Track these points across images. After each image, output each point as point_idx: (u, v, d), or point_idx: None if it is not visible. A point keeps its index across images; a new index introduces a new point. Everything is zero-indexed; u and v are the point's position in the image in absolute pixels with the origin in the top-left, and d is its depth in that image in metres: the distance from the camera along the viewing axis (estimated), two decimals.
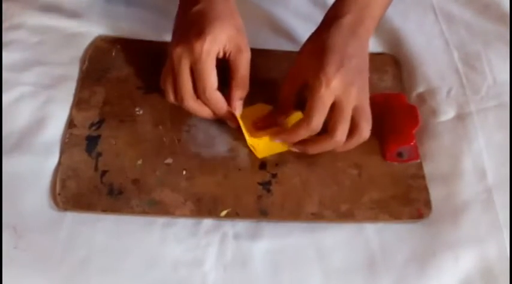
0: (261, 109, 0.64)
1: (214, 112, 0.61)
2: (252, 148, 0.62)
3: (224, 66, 0.59)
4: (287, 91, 0.62)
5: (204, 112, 0.61)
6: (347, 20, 0.59)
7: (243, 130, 0.61)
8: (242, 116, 0.61)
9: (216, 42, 0.57)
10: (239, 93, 0.61)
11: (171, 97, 0.61)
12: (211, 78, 0.57)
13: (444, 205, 0.60)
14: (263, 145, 0.61)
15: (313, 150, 0.60)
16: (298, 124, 0.58)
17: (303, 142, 0.60)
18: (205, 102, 0.59)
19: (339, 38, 0.58)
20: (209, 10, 0.58)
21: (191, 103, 0.59)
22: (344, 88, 0.56)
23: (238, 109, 0.61)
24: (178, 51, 0.57)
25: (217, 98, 0.59)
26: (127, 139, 0.62)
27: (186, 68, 0.57)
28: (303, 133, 0.58)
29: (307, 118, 0.57)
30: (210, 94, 0.58)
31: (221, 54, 0.58)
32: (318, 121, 0.57)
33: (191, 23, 0.58)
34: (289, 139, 0.60)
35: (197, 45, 0.56)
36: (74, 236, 0.56)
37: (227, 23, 0.58)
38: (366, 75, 0.60)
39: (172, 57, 0.58)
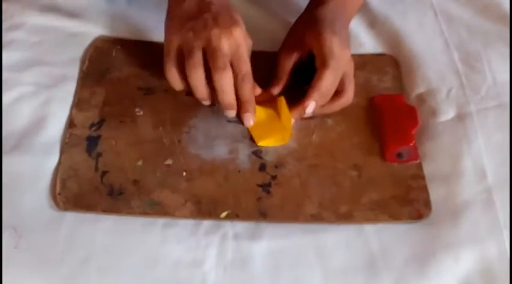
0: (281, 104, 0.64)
1: (242, 98, 0.61)
2: (253, 135, 0.62)
3: None
4: (285, 63, 0.64)
5: (208, 97, 0.61)
6: (331, 5, 0.64)
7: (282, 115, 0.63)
8: None
9: (248, 37, 0.61)
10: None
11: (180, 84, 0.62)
12: (249, 62, 0.60)
13: (444, 205, 0.60)
14: (264, 132, 0.62)
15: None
16: (308, 97, 0.61)
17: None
18: (240, 87, 0.60)
19: (328, 13, 0.63)
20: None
21: (201, 87, 0.60)
22: (341, 51, 0.61)
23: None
24: (216, 32, 0.58)
25: (252, 85, 0.61)
26: (127, 139, 0.62)
27: (225, 49, 0.58)
28: (319, 95, 0.61)
29: (319, 80, 0.60)
30: (248, 77, 0.60)
31: None
32: (331, 81, 0.61)
33: (206, 9, 0.60)
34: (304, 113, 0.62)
35: (238, 31, 0.58)
36: (74, 236, 0.56)
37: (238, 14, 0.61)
38: (349, 51, 0.63)
39: (205, 38, 0.58)
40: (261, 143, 0.62)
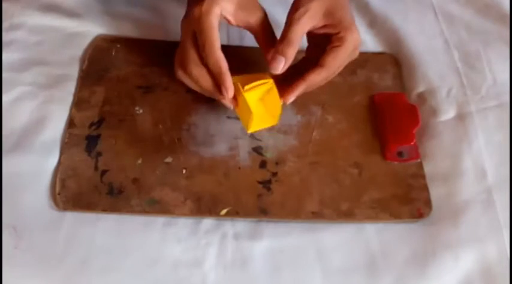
0: (257, 78, 0.59)
1: (212, 71, 0.57)
2: (244, 121, 0.59)
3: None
4: (302, 28, 0.58)
5: (204, 80, 0.57)
6: None
7: (244, 97, 0.57)
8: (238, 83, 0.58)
9: (215, 3, 0.56)
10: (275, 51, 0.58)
11: (178, 72, 0.60)
12: (212, 34, 0.55)
13: (444, 204, 0.60)
14: (256, 118, 0.58)
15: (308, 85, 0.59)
16: (316, 71, 0.58)
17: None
18: (207, 60, 0.56)
19: None
20: None
21: (193, 68, 0.57)
22: (359, 45, 0.59)
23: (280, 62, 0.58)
24: (183, 22, 0.57)
25: (219, 56, 0.56)
26: (127, 138, 0.62)
27: (189, 34, 0.57)
28: (322, 79, 0.59)
29: (331, 62, 0.57)
30: (209, 49, 0.55)
31: (232, 21, 0.58)
32: (337, 69, 0.59)
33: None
34: (305, 88, 0.59)
35: (196, 9, 0.56)
36: (74, 236, 0.56)
37: None
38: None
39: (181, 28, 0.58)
40: (252, 129, 0.58)
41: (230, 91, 0.56)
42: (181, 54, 0.58)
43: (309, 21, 0.57)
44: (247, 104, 0.56)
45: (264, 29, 0.59)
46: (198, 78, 0.57)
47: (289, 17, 0.58)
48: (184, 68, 0.58)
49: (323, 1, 0.58)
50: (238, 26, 0.59)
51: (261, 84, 0.57)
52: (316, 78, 0.58)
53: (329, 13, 0.58)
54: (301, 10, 0.57)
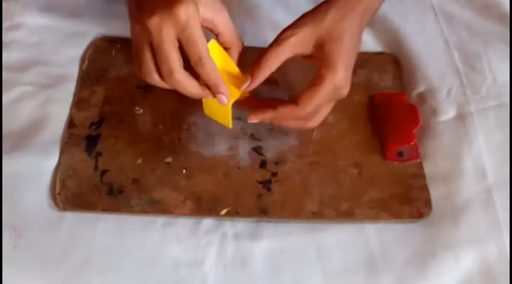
0: (214, 49, 0.55)
1: (207, 83, 0.53)
2: (222, 120, 0.57)
3: None
4: (282, 52, 0.54)
5: (192, 86, 0.52)
6: (362, 8, 0.55)
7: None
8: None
9: (197, 7, 0.51)
10: (236, 52, 0.56)
11: (155, 77, 0.52)
12: (204, 42, 0.51)
13: (444, 204, 0.60)
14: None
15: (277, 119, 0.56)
16: (289, 107, 0.54)
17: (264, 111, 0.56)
18: (201, 71, 0.51)
19: (354, 27, 0.55)
20: None
21: (181, 76, 0.51)
22: (344, 86, 0.55)
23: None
24: (155, 20, 0.49)
25: (213, 66, 0.52)
26: (127, 138, 0.62)
27: (170, 36, 0.50)
28: (294, 116, 0.55)
29: (306, 101, 0.54)
30: (206, 60, 0.51)
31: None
32: (311, 109, 0.54)
33: None
34: (272, 119, 0.56)
35: (181, 10, 0.49)
36: (74, 236, 0.56)
37: None
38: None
39: (147, 29, 0.50)
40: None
41: (228, 98, 0.53)
42: (161, 59, 0.51)
43: (293, 47, 0.54)
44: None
45: (227, 29, 0.55)
46: (186, 86, 0.52)
47: (277, 37, 0.55)
48: (167, 76, 0.51)
49: (318, 28, 0.54)
50: (202, 26, 0.53)
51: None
52: (288, 114, 0.55)
53: (319, 44, 0.54)
54: (288, 33, 0.54)
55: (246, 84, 0.54)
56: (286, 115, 0.55)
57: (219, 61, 0.54)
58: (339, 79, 0.53)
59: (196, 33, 0.50)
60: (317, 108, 0.55)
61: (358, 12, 0.55)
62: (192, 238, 0.57)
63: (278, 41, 0.54)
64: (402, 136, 0.63)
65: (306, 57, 0.56)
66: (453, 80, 0.68)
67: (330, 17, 0.54)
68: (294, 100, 0.54)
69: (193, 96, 0.53)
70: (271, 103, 0.56)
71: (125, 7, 0.73)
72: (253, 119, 0.56)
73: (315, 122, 0.58)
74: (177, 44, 0.50)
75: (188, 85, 0.52)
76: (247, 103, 0.58)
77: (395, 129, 0.63)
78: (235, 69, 0.56)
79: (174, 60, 0.50)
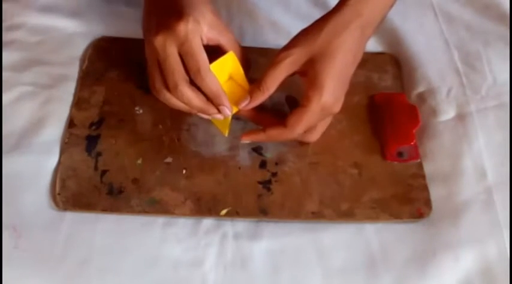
0: (230, 60, 0.58)
1: (207, 95, 0.56)
2: (220, 126, 0.60)
3: None
4: (280, 73, 0.56)
5: (197, 99, 0.55)
6: (361, 22, 0.56)
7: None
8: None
9: (198, 23, 0.55)
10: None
11: (167, 94, 0.56)
12: (203, 55, 0.54)
13: (444, 204, 0.60)
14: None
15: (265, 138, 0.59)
16: (278, 129, 0.57)
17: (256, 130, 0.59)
18: (200, 84, 0.55)
19: (349, 43, 0.55)
20: None
21: (185, 88, 0.55)
22: (333, 105, 0.56)
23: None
24: (160, 38, 0.54)
25: (213, 78, 0.55)
26: (127, 138, 0.62)
27: (173, 51, 0.54)
28: (284, 138, 0.58)
29: (294, 124, 0.56)
30: (205, 72, 0.54)
31: (204, 40, 0.56)
32: (301, 131, 0.57)
33: (165, 10, 0.56)
34: (263, 140, 0.59)
35: (181, 27, 0.53)
36: (74, 236, 0.56)
37: (203, 7, 0.56)
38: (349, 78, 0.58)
39: (155, 48, 0.55)
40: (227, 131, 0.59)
41: (229, 110, 0.56)
42: (167, 74, 0.55)
43: (289, 68, 0.56)
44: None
45: (232, 50, 0.58)
46: (191, 99, 0.55)
47: (273, 59, 0.56)
48: (173, 89, 0.55)
49: (311, 47, 0.55)
50: (209, 44, 0.57)
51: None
52: (278, 136, 0.58)
53: (311, 63, 0.55)
54: (283, 55, 0.55)
55: (244, 103, 0.57)
56: (276, 137, 0.58)
57: (228, 73, 0.57)
58: (325, 100, 0.55)
59: (195, 46, 0.54)
60: (308, 128, 0.57)
61: (356, 28, 0.55)
62: (192, 238, 0.57)
63: (275, 63, 0.56)
64: (402, 137, 0.63)
65: (301, 75, 0.57)
66: (453, 80, 0.68)
67: (323, 36, 0.55)
68: (283, 122, 0.56)
69: (198, 109, 0.56)
70: (267, 118, 0.59)
71: (125, 7, 0.74)
72: (245, 140, 0.59)
73: (312, 138, 0.60)
74: (180, 59, 0.54)
75: (192, 98, 0.55)
76: (245, 115, 0.60)
77: (395, 129, 0.63)
78: (244, 84, 0.58)
79: (178, 73, 0.54)
